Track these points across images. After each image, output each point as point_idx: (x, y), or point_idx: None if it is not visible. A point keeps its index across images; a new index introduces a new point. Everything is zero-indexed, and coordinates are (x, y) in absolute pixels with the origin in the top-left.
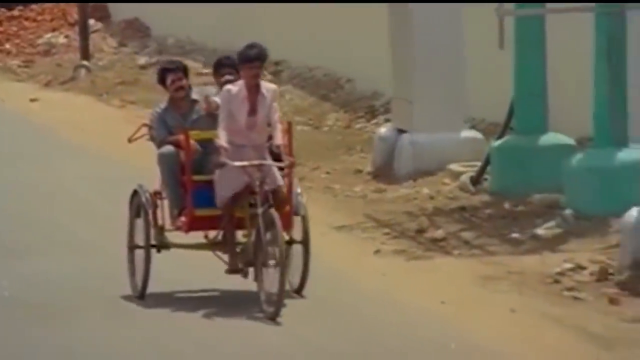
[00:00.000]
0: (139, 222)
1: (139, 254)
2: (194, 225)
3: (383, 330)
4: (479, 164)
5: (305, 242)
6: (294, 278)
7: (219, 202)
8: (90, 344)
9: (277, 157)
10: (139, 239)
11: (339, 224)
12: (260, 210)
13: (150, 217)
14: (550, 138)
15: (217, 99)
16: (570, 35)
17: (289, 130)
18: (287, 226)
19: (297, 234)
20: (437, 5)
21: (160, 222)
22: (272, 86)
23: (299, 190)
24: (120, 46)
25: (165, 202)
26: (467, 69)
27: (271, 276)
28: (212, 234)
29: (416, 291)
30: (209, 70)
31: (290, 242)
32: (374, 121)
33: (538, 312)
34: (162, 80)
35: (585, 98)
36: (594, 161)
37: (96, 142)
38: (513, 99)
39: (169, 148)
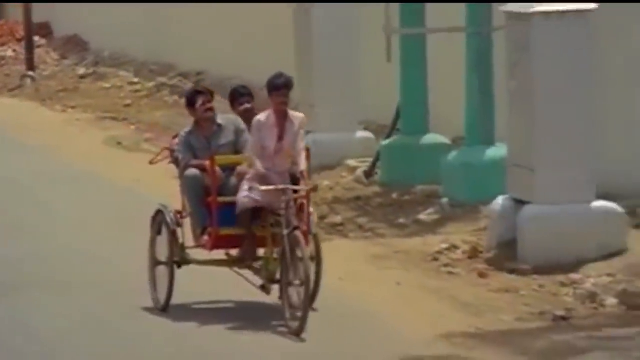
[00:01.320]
0: (160, 239)
1: (160, 269)
2: (217, 243)
3: None
4: (371, 160)
5: (317, 259)
6: None
7: (239, 208)
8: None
9: (295, 180)
10: (161, 256)
11: None
12: (285, 232)
13: (175, 235)
14: (430, 138)
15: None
16: (448, 51)
17: (308, 156)
18: (306, 244)
19: None
20: (336, 19)
21: (180, 239)
22: (301, 115)
23: (311, 210)
24: (62, 59)
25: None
26: (361, 78)
27: (296, 293)
28: (233, 251)
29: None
30: (138, 80)
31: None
32: None
33: (419, 284)
34: (190, 103)
35: (459, 104)
36: (466, 158)
37: (39, 140)
38: (399, 105)
39: (194, 171)
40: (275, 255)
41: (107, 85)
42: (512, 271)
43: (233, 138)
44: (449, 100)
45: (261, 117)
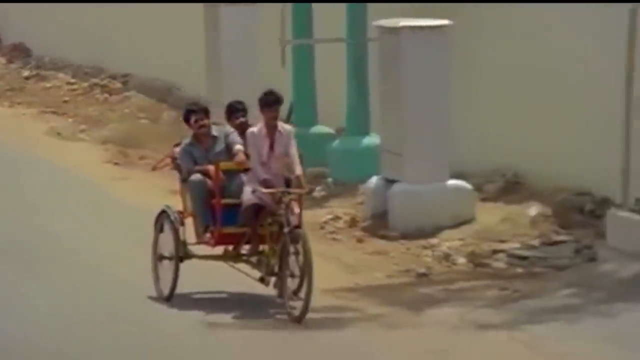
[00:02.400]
0: (162, 237)
1: (163, 264)
2: (220, 240)
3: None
4: None
5: (306, 253)
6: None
7: (245, 204)
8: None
9: (288, 183)
10: (165, 251)
11: (174, 188)
12: (286, 229)
13: (179, 233)
14: (317, 129)
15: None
16: (333, 57)
17: (301, 162)
18: None
19: None
20: (238, 28)
21: (182, 237)
22: (289, 127)
23: (297, 210)
24: (9, 63)
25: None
26: (261, 79)
27: (296, 284)
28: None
29: None
30: (75, 80)
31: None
32: None
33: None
34: (186, 119)
35: (341, 101)
36: (347, 145)
37: None
38: (292, 102)
39: (198, 177)
40: (273, 251)
41: (48, 85)
42: (383, 237)
43: (224, 146)
44: (333, 97)
45: (254, 129)
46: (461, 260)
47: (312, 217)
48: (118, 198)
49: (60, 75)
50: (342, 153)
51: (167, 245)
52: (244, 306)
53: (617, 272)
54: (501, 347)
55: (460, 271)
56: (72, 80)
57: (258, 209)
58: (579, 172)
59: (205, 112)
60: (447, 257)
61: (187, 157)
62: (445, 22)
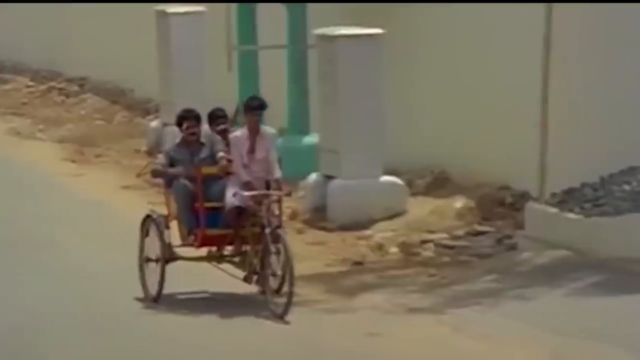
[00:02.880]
0: (148, 240)
1: (149, 265)
2: (204, 242)
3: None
4: None
5: (287, 252)
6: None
7: (227, 206)
8: None
9: (268, 186)
10: (151, 254)
11: (125, 184)
12: (268, 230)
13: (164, 236)
14: (261, 129)
15: (223, 154)
16: (276, 62)
17: (280, 166)
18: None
19: None
20: (187, 35)
21: (167, 240)
22: (272, 131)
23: (277, 212)
24: None
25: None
26: (208, 82)
27: (278, 282)
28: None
29: None
30: (33, 84)
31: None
32: (148, 117)
33: None
34: (179, 124)
35: (283, 103)
36: (289, 143)
37: None
38: (238, 104)
39: (183, 182)
40: (255, 251)
41: (9, 88)
42: (322, 229)
43: (209, 153)
44: (276, 99)
45: (237, 133)
46: (393, 249)
47: None
48: (73, 191)
49: (20, 79)
50: (284, 151)
51: (152, 248)
52: (227, 304)
53: (535, 259)
54: (429, 328)
55: (392, 260)
56: (31, 84)
57: (240, 211)
58: (500, 168)
59: (197, 120)
60: (380, 247)
61: (165, 160)
62: (379, 30)
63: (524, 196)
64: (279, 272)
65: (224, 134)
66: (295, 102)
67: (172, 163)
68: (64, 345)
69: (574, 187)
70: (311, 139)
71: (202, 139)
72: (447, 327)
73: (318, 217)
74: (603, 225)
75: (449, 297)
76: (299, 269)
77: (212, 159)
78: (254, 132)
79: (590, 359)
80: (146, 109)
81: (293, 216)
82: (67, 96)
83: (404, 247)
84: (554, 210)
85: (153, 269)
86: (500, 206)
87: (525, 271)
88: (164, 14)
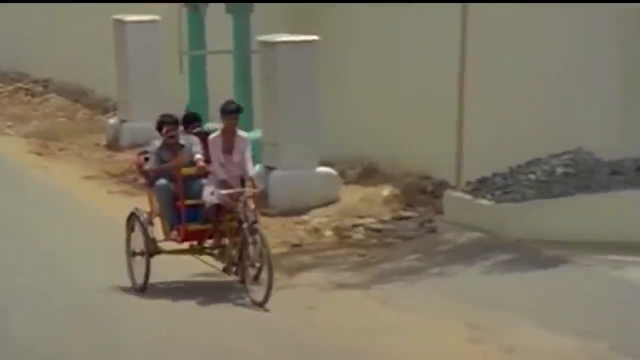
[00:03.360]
0: (133, 236)
1: (136, 259)
2: (186, 237)
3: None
4: None
5: (264, 243)
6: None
7: (207, 204)
8: None
9: (243, 183)
10: (137, 248)
11: (87, 175)
12: (245, 225)
13: (148, 231)
14: (209, 126)
15: (200, 156)
16: (223, 66)
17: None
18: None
19: None
20: (142, 41)
21: (151, 235)
22: (245, 134)
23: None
24: None
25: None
26: (163, 83)
27: (255, 271)
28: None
29: (118, 206)
30: (1, 84)
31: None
32: (107, 115)
33: None
34: (159, 128)
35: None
36: None
37: None
38: (188, 104)
39: (162, 181)
40: (234, 244)
41: None
42: (264, 214)
43: (188, 154)
44: (222, 99)
45: (215, 134)
46: (328, 233)
47: None
48: (39, 181)
49: None
50: None
51: (138, 242)
52: (208, 292)
53: (453, 240)
54: (360, 303)
55: (327, 242)
56: (0, 85)
57: (218, 208)
58: (421, 160)
59: (176, 124)
60: (316, 230)
61: (156, 158)
62: (314, 37)
63: (443, 185)
64: (257, 263)
65: (198, 135)
66: (240, 101)
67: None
68: (38, 325)
69: (486, 177)
70: (254, 134)
71: (181, 141)
72: (375, 301)
73: (260, 204)
74: (511, 210)
75: (377, 274)
76: None
77: (191, 158)
78: (230, 134)
79: (499, 326)
80: (105, 107)
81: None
82: (33, 96)
83: (338, 230)
84: (468, 197)
85: (139, 262)
86: (422, 194)
87: (444, 251)
88: (121, 22)
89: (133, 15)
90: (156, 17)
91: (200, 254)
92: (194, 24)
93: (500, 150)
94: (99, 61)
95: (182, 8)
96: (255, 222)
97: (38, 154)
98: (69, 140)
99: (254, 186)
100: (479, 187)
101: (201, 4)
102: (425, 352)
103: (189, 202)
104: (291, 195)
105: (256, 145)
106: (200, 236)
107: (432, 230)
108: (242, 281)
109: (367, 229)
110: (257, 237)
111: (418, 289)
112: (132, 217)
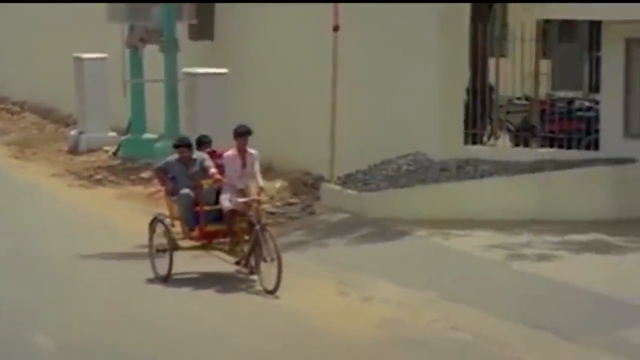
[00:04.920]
0: (155, 236)
1: (159, 255)
2: (205, 236)
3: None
4: (116, 146)
5: (274, 241)
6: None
7: (225, 209)
8: None
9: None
10: (160, 246)
11: (53, 173)
12: (258, 227)
13: (171, 232)
14: (147, 135)
15: (214, 170)
16: (158, 91)
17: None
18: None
19: None
20: (96, 71)
21: (172, 235)
22: (254, 150)
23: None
24: None
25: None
26: (108, 104)
27: (268, 265)
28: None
29: (76, 195)
30: None
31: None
32: (69, 128)
33: (139, 209)
34: (175, 147)
35: (162, 118)
36: (165, 145)
37: None
38: (130, 119)
39: (185, 190)
40: (244, 242)
41: None
42: None
43: (199, 167)
44: (157, 116)
45: (229, 153)
46: None
47: (142, 190)
48: (17, 178)
49: None
50: (162, 149)
51: (160, 241)
52: (221, 282)
53: (327, 220)
54: (261, 268)
55: None
56: None
57: (233, 212)
58: (304, 160)
59: (188, 146)
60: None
61: (164, 166)
62: (224, 70)
63: (320, 179)
64: (268, 258)
65: (210, 153)
66: (170, 117)
67: (172, 175)
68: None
69: (352, 173)
70: (150, 136)
71: (194, 156)
72: (273, 267)
73: None
74: (370, 197)
75: None
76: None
77: (202, 172)
78: (242, 151)
79: (361, 282)
80: (67, 122)
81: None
82: (12, 114)
83: None
84: (339, 188)
85: (162, 257)
86: (305, 186)
87: (321, 228)
88: (79, 58)
89: (88, 54)
90: (106, 55)
91: (215, 250)
92: (135, 60)
93: (362, 152)
94: (63, 87)
95: (126, 48)
96: (266, 224)
97: (16, 157)
98: (40, 147)
99: (263, 194)
100: (346, 181)
101: (140, 45)
102: (307, 303)
103: (208, 207)
104: None
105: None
106: (215, 235)
107: (312, 213)
108: (251, 272)
109: (265, 212)
110: (267, 235)
111: (303, 257)
112: (155, 221)
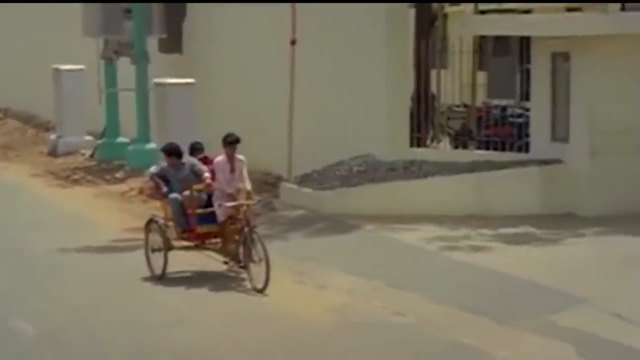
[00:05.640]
0: (151, 236)
1: (154, 254)
2: (197, 237)
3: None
4: (93, 149)
5: (262, 243)
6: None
7: (220, 217)
8: None
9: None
10: (155, 245)
11: (34, 173)
12: (247, 229)
13: (166, 233)
14: (120, 139)
15: (207, 174)
16: (130, 99)
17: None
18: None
19: None
20: (73, 81)
21: (167, 235)
22: (242, 156)
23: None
24: None
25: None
26: (86, 111)
27: (257, 266)
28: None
29: (55, 194)
30: None
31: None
32: (48, 132)
33: (117, 207)
34: (164, 152)
35: (134, 124)
36: (137, 148)
37: None
38: (105, 125)
39: (174, 195)
40: (234, 242)
41: None
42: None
43: (189, 171)
44: (129, 122)
45: (219, 159)
46: None
47: (116, 189)
48: (2, 179)
49: None
50: (135, 152)
51: (155, 241)
52: (212, 281)
53: (287, 216)
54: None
55: None
56: None
57: (227, 217)
58: (265, 161)
59: (177, 155)
60: None
61: (160, 171)
62: (192, 80)
63: (279, 178)
64: (256, 258)
65: (202, 160)
66: (141, 123)
67: (165, 179)
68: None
69: (308, 173)
70: (151, 145)
71: (183, 161)
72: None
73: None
74: (325, 195)
75: None
76: (142, 223)
77: (192, 175)
78: (231, 158)
79: (316, 272)
80: (47, 127)
81: (140, 191)
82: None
83: None
84: (296, 186)
85: (157, 256)
86: (266, 184)
87: (281, 223)
88: (58, 70)
89: (66, 65)
90: (82, 67)
91: (206, 250)
92: (109, 71)
93: (318, 154)
94: (43, 95)
95: (101, 60)
96: (254, 225)
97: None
98: (22, 150)
99: (250, 198)
100: (303, 180)
101: (114, 57)
102: (269, 291)
103: (200, 210)
104: None
105: (152, 152)
106: (207, 236)
107: (273, 209)
108: (243, 267)
109: (253, 214)
110: (256, 237)
111: (269, 249)
112: (151, 222)
